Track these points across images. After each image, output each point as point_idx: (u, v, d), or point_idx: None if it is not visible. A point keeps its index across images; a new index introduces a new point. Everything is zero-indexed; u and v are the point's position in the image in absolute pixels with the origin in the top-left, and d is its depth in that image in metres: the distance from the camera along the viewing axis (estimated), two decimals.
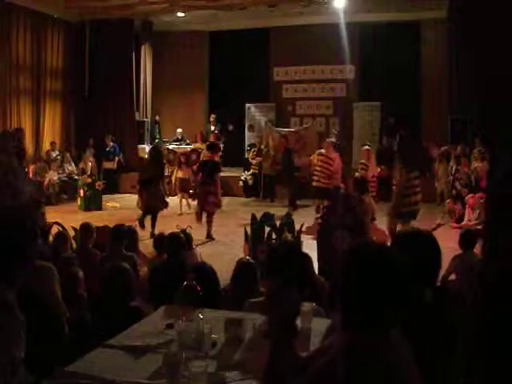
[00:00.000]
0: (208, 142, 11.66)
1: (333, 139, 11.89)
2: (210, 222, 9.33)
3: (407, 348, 1.74)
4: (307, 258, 4.21)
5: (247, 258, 4.85)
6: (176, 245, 4.71)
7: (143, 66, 16.97)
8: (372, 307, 1.68)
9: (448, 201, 10.77)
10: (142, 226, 9.12)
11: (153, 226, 9.21)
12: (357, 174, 10.33)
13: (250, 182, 14.44)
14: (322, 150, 11.05)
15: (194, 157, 12.05)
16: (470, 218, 9.85)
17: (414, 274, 2.20)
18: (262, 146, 14.13)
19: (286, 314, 1.88)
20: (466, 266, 5.10)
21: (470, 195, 10.07)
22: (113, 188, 14.36)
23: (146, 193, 9.43)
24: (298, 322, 2.68)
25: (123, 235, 5.50)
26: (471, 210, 9.91)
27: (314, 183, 10.92)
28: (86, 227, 5.76)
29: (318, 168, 10.94)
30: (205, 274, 3.61)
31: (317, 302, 3.13)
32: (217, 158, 9.91)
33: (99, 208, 12.20)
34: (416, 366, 1.73)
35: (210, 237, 9.22)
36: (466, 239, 5.43)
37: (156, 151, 10.30)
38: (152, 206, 9.32)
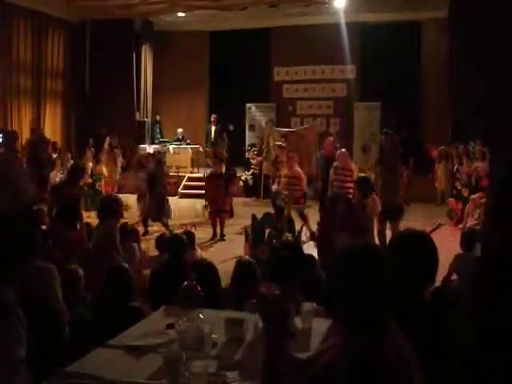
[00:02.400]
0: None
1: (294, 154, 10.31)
2: (220, 223, 9.57)
3: (408, 345, 1.74)
4: (312, 258, 4.23)
5: (247, 257, 4.85)
6: (177, 246, 4.71)
7: (143, 66, 16.98)
8: (368, 308, 1.69)
9: (450, 199, 10.73)
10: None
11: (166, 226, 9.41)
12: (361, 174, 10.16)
13: (251, 182, 14.43)
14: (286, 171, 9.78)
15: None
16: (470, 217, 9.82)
17: (412, 275, 2.21)
18: (263, 146, 14.11)
19: (280, 315, 1.88)
20: (467, 265, 5.09)
21: (476, 195, 9.89)
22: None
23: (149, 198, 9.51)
24: (296, 323, 2.69)
25: (128, 234, 5.54)
26: (472, 210, 9.87)
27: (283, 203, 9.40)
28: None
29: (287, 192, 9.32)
30: (205, 271, 3.62)
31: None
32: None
33: None
34: (417, 363, 1.73)
35: (220, 236, 9.44)
36: (468, 239, 5.41)
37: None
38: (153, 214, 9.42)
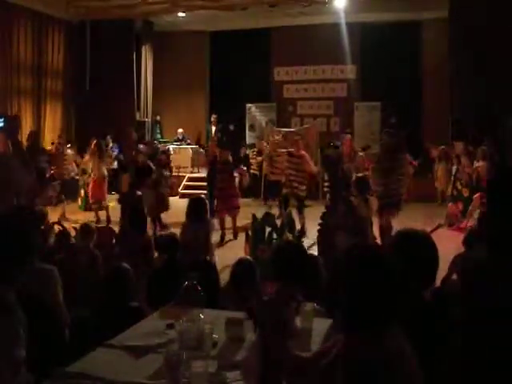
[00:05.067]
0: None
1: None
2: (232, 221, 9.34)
3: (408, 345, 1.74)
4: (316, 258, 4.23)
5: (247, 257, 4.84)
6: (174, 246, 4.72)
7: (144, 66, 16.98)
8: (369, 308, 1.69)
9: (450, 205, 10.64)
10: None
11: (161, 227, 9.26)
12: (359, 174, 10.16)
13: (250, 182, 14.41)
14: (291, 149, 9.82)
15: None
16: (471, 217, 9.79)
17: (413, 275, 2.21)
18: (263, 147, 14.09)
19: (277, 320, 1.88)
20: (467, 266, 5.07)
21: (477, 195, 9.84)
22: (113, 188, 14.34)
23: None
24: (296, 323, 2.69)
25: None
26: (473, 211, 9.85)
27: (287, 189, 9.55)
28: (85, 228, 5.75)
29: (290, 172, 9.54)
30: (204, 270, 3.62)
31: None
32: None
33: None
34: (417, 362, 1.73)
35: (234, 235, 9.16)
36: (469, 239, 5.39)
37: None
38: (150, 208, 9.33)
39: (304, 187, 9.57)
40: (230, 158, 9.83)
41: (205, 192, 10.37)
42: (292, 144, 10.26)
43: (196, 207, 6.23)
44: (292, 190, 9.43)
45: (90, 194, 10.99)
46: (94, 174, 10.88)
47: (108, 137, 14.80)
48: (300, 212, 9.19)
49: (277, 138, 12.06)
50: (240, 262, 3.83)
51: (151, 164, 9.75)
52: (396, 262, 1.77)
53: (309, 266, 3.61)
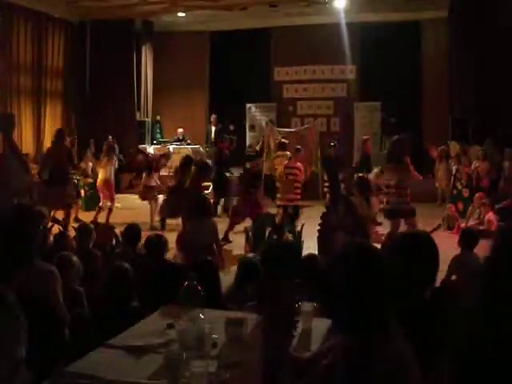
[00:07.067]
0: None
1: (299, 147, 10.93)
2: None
3: (408, 345, 1.74)
4: (316, 258, 4.24)
5: (251, 254, 4.84)
6: (154, 246, 4.74)
7: (144, 66, 16.98)
8: (367, 308, 1.68)
9: (450, 205, 10.61)
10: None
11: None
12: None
13: None
14: (287, 157, 10.17)
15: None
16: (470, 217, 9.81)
17: (413, 275, 2.21)
18: (263, 147, 14.07)
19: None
20: (466, 266, 5.08)
21: (477, 195, 9.83)
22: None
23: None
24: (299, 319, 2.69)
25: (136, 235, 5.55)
26: (473, 211, 9.86)
27: (279, 201, 9.96)
28: (84, 228, 5.75)
29: (284, 180, 9.94)
30: (205, 271, 3.62)
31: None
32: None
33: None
34: (416, 363, 1.73)
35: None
36: (466, 239, 5.39)
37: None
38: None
39: (299, 196, 9.91)
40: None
41: (207, 192, 10.37)
42: (293, 150, 10.69)
43: (197, 206, 6.23)
44: (288, 202, 9.76)
45: (102, 195, 11.02)
46: (101, 175, 10.95)
47: (110, 137, 14.76)
48: (297, 216, 9.40)
49: (281, 139, 12.15)
50: (243, 262, 3.84)
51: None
52: (395, 262, 1.77)
53: (296, 265, 3.62)
